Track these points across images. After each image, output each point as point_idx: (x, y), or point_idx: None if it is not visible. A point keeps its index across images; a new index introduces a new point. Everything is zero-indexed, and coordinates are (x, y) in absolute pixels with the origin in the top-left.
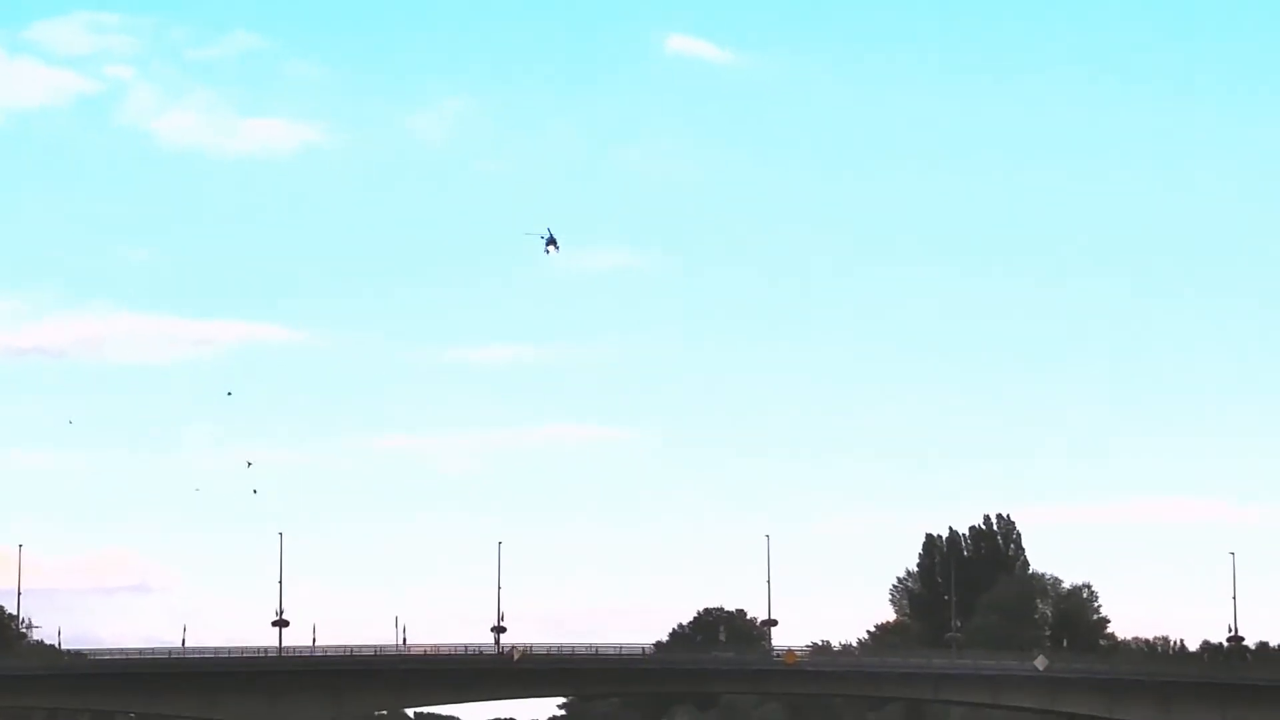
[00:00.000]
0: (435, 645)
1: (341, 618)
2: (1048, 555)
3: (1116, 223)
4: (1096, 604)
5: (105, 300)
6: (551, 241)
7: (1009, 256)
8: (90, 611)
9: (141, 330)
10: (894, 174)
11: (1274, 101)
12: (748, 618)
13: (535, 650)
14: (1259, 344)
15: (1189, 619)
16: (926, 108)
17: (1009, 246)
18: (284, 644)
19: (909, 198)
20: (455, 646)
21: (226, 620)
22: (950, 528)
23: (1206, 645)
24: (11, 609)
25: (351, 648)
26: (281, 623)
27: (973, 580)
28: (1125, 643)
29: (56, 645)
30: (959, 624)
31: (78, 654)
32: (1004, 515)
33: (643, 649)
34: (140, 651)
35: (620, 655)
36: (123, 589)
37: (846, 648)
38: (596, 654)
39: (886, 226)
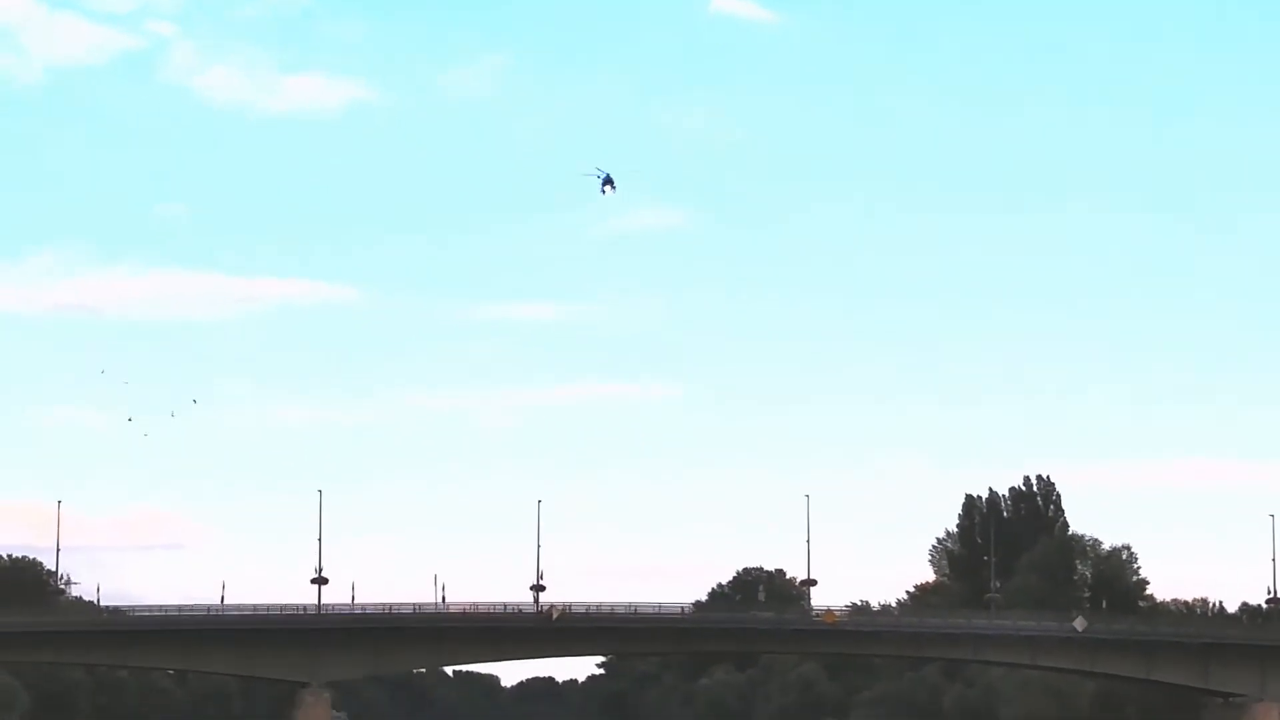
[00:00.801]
0: (474, 603)
1: (380, 575)
2: (1087, 516)
3: (1165, 174)
4: (1136, 565)
5: (144, 257)
6: (608, 182)
7: (1049, 214)
8: (129, 569)
9: (180, 287)
10: (935, 131)
11: None
12: (787, 577)
13: (574, 609)
14: None
15: (1228, 581)
16: (968, 68)
17: (1050, 203)
18: (323, 602)
19: (949, 153)
20: (494, 605)
21: (265, 578)
22: (990, 488)
23: (1245, 607)
24: (50, 565)
25: (390, 605)
26: (320, 580)
27: (1012, 541)
28: (1164, 604)
29: (95, 602)
30: (998, 585)
31: (116, 611)
32: (1044, 476)
33: (681, 608)
34: (179, 609)
35: (659, 614)
36: (161, 546)
37: (885, 608)
38: (635, 613)
39: (926, 183)
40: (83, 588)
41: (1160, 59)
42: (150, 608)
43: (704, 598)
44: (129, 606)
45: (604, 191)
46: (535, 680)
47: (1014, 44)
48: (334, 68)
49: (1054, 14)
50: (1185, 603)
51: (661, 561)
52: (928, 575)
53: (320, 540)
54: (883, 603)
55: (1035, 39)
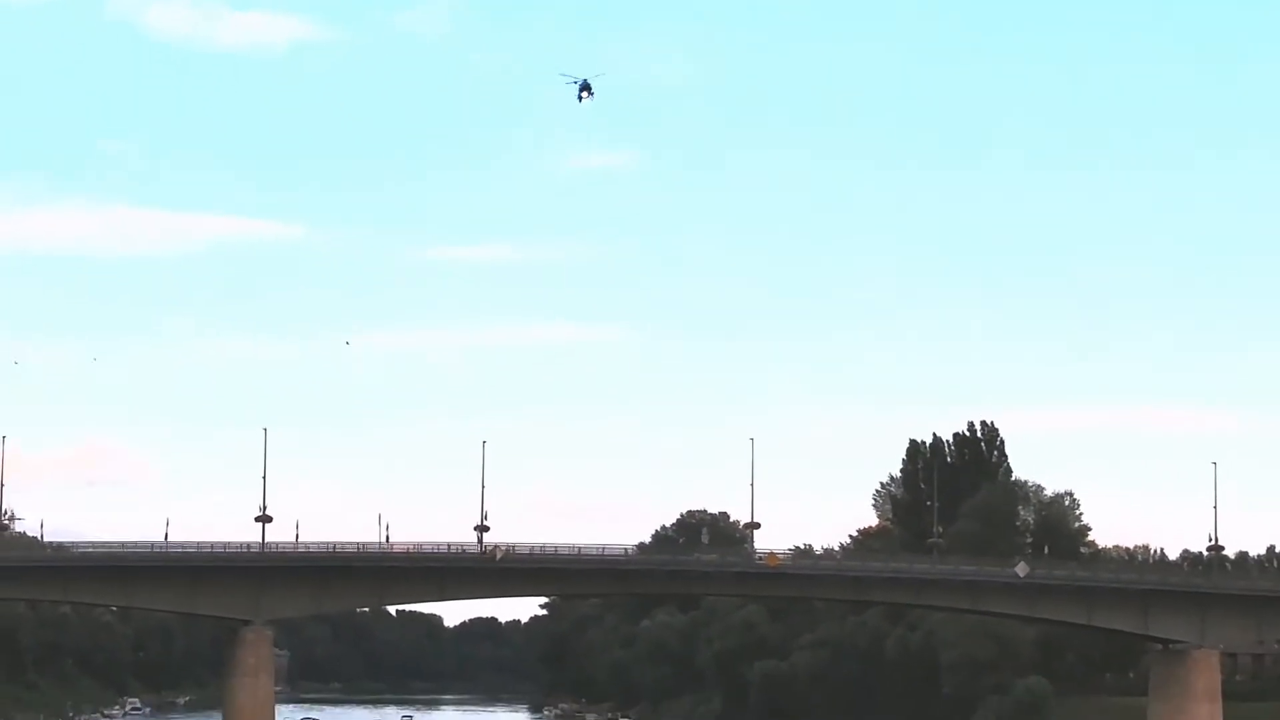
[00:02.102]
0: (418, 543)
1: (325, 514)
2: (1031, 463)
3: (1106, 121)
4: (1078, 512)
5: (91, 193)
6: (585, 88)
7: (994, 163)
8: (72, 505)
9: (126, 223)
10: (886, 78)
11: None
12: (730, 520)
13: (518, 550)
14: (1245, 253)
15: (1169, 528)
16: (921, 17)
17: (993, 152)
18: (267, 540)
19: (899, 99)
20: (438, 545)
21: (209, 516)
22: (934, 434)
23: (1186, 554)
24: None
25: (334, 544)
26: (264, 519)
27: (955, 486)
28: (1106, 551)
29: (38, 538)
30: (941, 530)
31: (60, 547)
32: (988, 422)
33: (625, 550)
34: (122, 545)
35: (603, 556)
36: (105, 483)
37: (829, 552)
38: (579, 554)
39: (875, 129)
40: (25, 524)
41: (1088, 11)
42: (93, 544)
43: (647, 540)
44: (72, 543)
45: (581, 99)
46: (478, 620)
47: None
48: (282, 4)
49: None
50: (1126, 549)
51: (605, 503)
52: (871, 520)
53: (264, 478)
54: (826, 546)
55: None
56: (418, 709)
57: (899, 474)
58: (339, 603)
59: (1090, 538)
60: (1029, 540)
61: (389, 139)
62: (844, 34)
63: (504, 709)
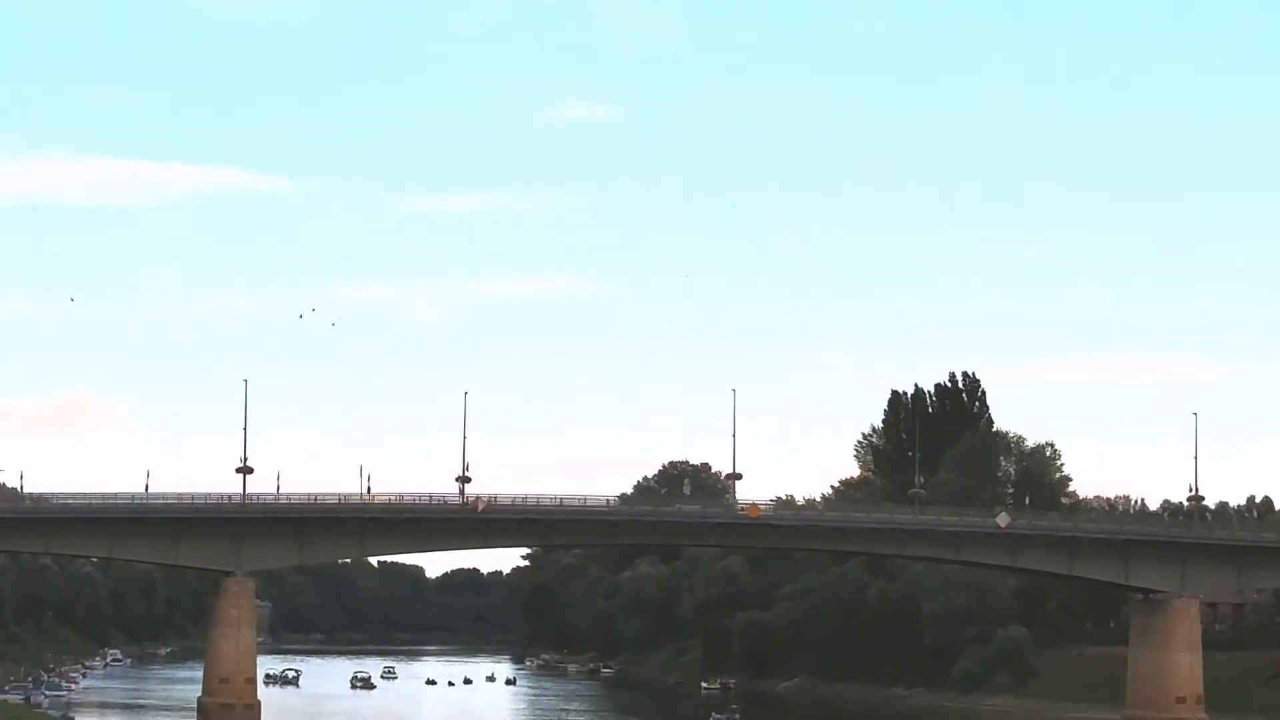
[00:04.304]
0: (399, 494)
1: (306, 465)
2: (1012, 413)
3: (1085, 78)
4: (1059, 462)
5: (70, 143)
6: None
7: (976, 112)
8: (53, 455)
9: (106, 173)
10: (871, 26)
11: None
12: (712, 471)
13: (499, 501)
14: (1228, 202)
15: (1150, 479)
16: None
17: (975, 102)
18: (247, 491)
19: (883, 45)
20: (419, 496)
21: (190, 467)
22: (916, 384)
23: (1167, 504)
24: None
25: (315, 495)
26: (245, 470)
27: (937, 437)
28: (1087, 501)
29: (18, 489)
30: (923, 480)
31: (40, 498)
32: (969, 373)
33: (607, 501)
34: (103, 497)
35: (584, 507)
36: (86, 434)
37: (810, 502)
38: (560, 505)
39: (858, 77)
40: (6, 475)
41: None
42: (74, 495)
43: (629, 491)
44: (52, 494)
45: None
46: (460, 571)
47: None
48: None
49: None
50: (1107, 500)
51: (587, 454)
52: (853, 470)
53: (245, 429)
54: (807, 497)
55: None
56: (399, 660)
57: (880, 425)
58: (320, 554)
59: (1071, 488)
60: (1010, 490)
61: (370, 90)
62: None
63: (486, 660)
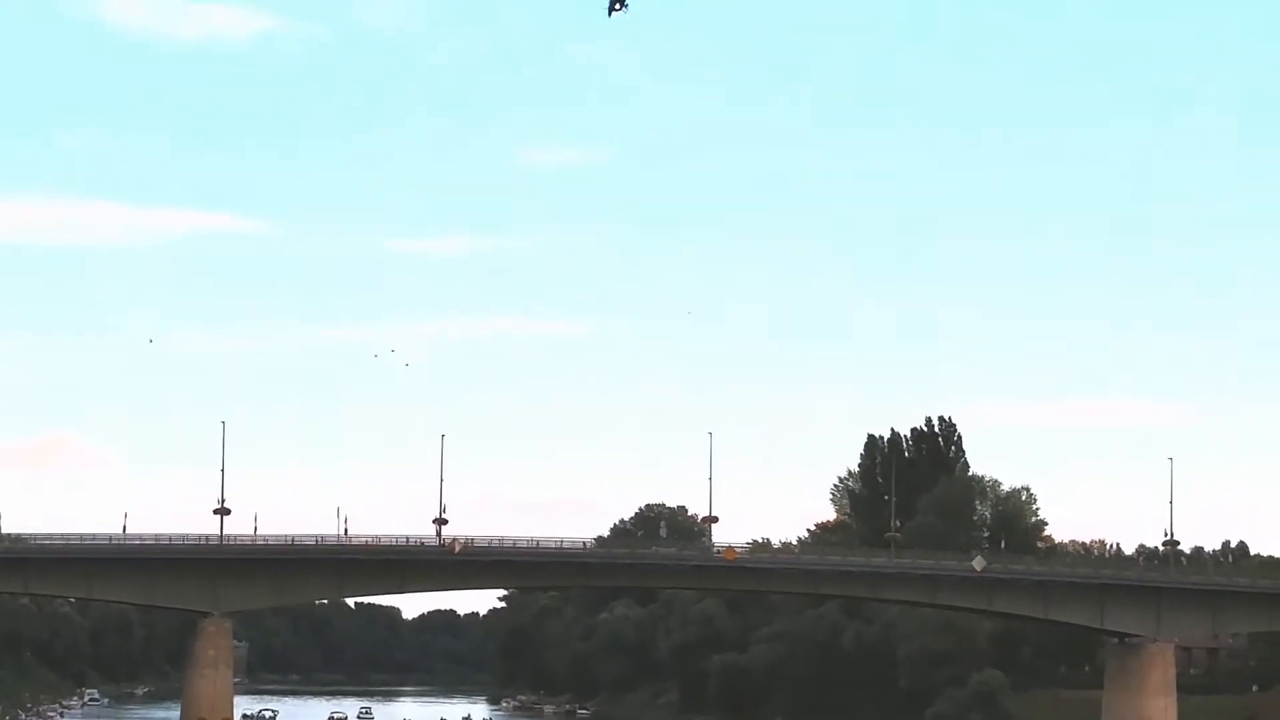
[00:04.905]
0: (376, 536)
1: (283, 507)
2: (988, 457)
3: (1060, 127)
4: (1035, 506)
5: (50, 186)
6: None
7: (951, 153)
8: (31, 495)
9: (88, 215)
10: (848, 70)
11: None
12: (689, 514)
13: (476, 543)
14: (1202, 250)
15: (1126, 523)
16: (873, 6)
17: (955, 143)
18: (225, 532)
19: (859, 90)
20: (396, 537)
21: (167, 507)
22: (892, 428)
23: (1142, 549)
24: None
25: (292, 537)
26: (223, 511)
27: (913, 481)
28: (1062, 545)
29: None
30: (899, 524)
31: (18, 538)
32: (945, 417)
33: (584, 543)
34: (81, 537)
35: (561, 549)
36: (64, 474)
37: (787, 545)
38: (537, 547)
39: (833, 121)
40: None
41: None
42: (52, 535)
43: (606, 533)
44: (30, 534)
45: (611, 13)
46: (436, 613)
47: None
48: None
49: None
50: (1083, 544)
51: (564, 496)
52: (829, 514)
53: (223, 471)
54: (784, 540)
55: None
56: (376, 700)
57: (857, 468)
58: (298, 595)
59: (1047, 532)
60: (986, 534)
61: (349, 132)
62: (805, 33)
63: (463, 701)
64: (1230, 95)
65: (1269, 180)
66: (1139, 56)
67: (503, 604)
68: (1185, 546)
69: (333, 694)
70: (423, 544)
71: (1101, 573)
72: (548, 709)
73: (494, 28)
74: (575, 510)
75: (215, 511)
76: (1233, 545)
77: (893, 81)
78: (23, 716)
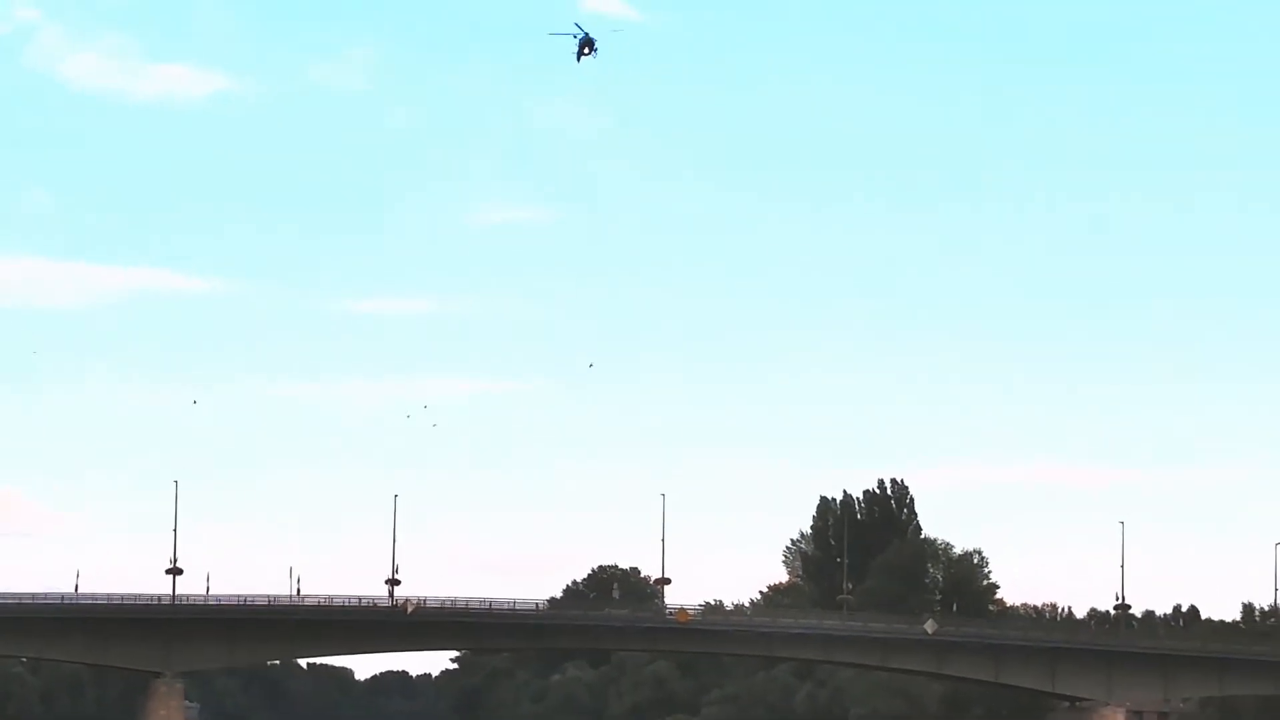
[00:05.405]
0: (329, 596)
1: (236, 567)
2: (940, 520)
3: (1010, 185)
4: (987, 570)
5: (7, 243)
6: (588, 43)
7: (903, 216)
8: None
9: (43, 274)
10: (798, 126)
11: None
12: (641, 575)
13: (429, 603)
14: (1149, 316)
15: (1078, 586)
16: (828, 65)
17: (907, 204)
18: (178, 592)
19: (814, 149)
20: (349, 598)
21: (120, 567)
22: (844, 490)
23: (1094, 613)
24: None
25: (245, 597)
26: (175, 571)
27: (866, 543)
28: (1014, 608)
29: None
30: (851, 586)
31: None
32: (897, 479)
33: (536, 605)
34: (32, 597)
35: (514, 610)
36: (15, 533)
37: (739, 607)
38: (490, 609)
39: (786, 183)
40: None
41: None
42: (3, 595)
43: (559, 594)
44: None
45: (580, 58)
46: (389, 674)
47: (856, 42)
48: (202, 57)
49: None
50: (1034, 607)
51: (517, 557)
52: (781, 576)
53: (175, 530)
54: (736, 602)
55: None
56: None
57: (809, 530)
58: (250, 655)
59: (999, 595)
60: (938, 597)
61: (303, 192)
62: (753, 85)
63: None
64: (1177, 174)
65: (1218, 248)
66: (1092, 137)
67: (455, 665)
68: (1136, 610)
69: None
70: (375, 604)
71: (1053, 636)
72: None
73: (446, 87)
74: (528, 570)
75: (167, 571)
76: (1184, 609)
77: (845, 145)
78: None
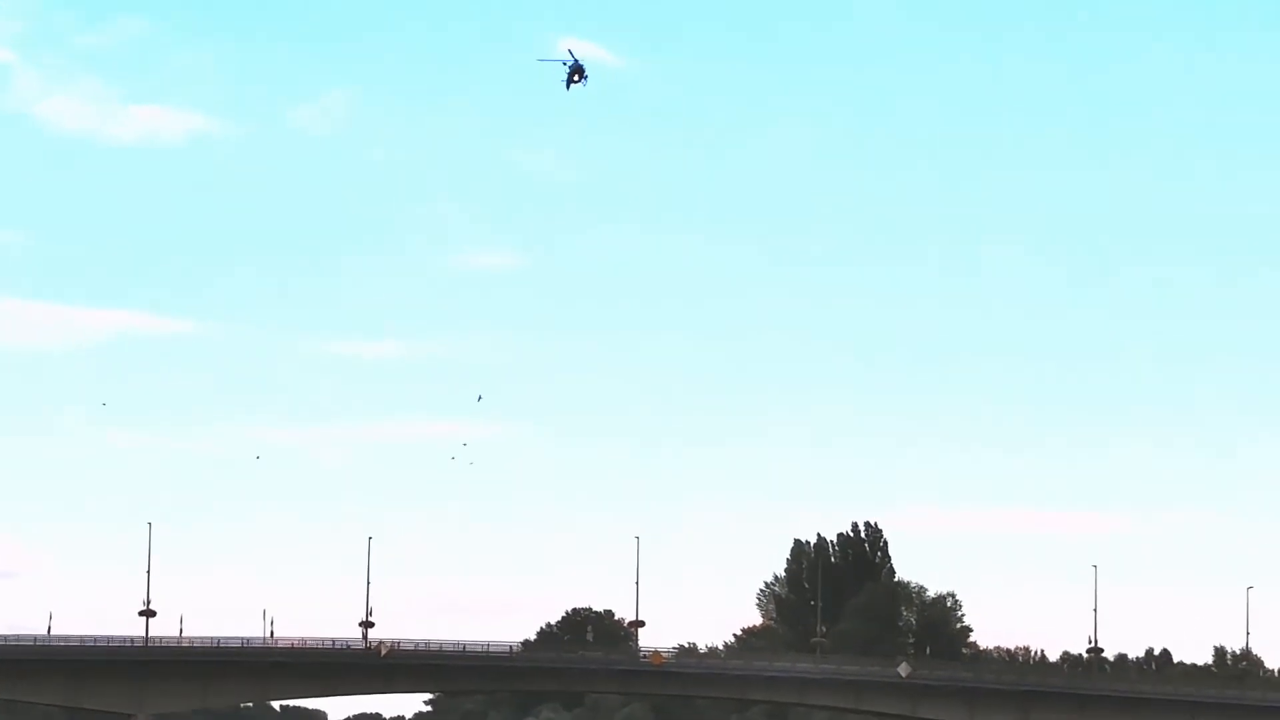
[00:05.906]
0: (302, 638)
1: (209, 609)
2: (914, 563)
3: (988, 228)
4: (960, 613)
5: None
6: (577, 71)
7: (883, 265)
8: None
9: (19, 315)
10: (776, 178)
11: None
12: (615, 618)
13: (403, 646)
14: (1122, 363)
15: (1051, 630)
16: (804, 120)
17: (885, 254)
18: (150, 634)
19: (789, 200)
20: (322, 640)
21: (93, 609)
22: (818, 534)
23: (1067, 656)
24: None
25: (218, 639)
26: (148, 613)
27: (840, 586)
28: (987, 651)
29: None
30: (825, 629)
31: None
32: (871, 523)
33: (510, 647)
34: (5, 638)
35: (487, 653)
36: None
37: (713, 650)
38: (464, 651)
39: (760, 230)
40: None
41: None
42: None
43: (533, 637)
44: None
45: (569, 85)
46: (362, 716)
47: (836, 92)
48: (179, 98)
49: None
50: (1008, 650)
51: (491, 600)
52: (755, 619)
53: (149, 572)
54: (710, 645)
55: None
56: None
57: (783, 573)
58: (223, 698)
59: (972, 638)
60: (912, 640)
61: (281, 234)
62: (731, 131)
63: None
64: (1149, 228)
65: (1187, 297)
66: (1065, 191)
67: (429, 707)
68: (1109, 654)
69: None
70: (349, 647)
71: (1026, 679)
72: None
73: (424, 129)
74: (502, 613)
75: (141, 613)
76: (1156, 653)
77: (821, 196)
78: None
